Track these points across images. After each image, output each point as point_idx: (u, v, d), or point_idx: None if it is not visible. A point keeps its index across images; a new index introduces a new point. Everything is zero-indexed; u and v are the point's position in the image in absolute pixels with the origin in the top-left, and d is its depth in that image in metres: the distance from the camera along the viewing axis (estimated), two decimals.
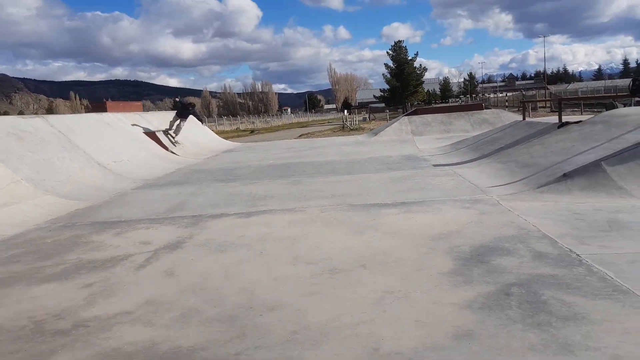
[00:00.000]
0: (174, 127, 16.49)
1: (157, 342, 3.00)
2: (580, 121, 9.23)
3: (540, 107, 43.17)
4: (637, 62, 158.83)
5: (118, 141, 13.23)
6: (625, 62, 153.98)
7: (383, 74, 74.45)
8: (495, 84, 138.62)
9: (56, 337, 3.16)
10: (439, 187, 7.41)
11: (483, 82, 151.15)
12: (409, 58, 71.87)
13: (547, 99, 49.19)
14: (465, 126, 17.99)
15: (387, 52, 72.66)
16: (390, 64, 72.25)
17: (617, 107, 12.78)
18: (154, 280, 4.18)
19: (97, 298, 3.83)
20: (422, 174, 8.81)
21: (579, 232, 4.62)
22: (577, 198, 5.94)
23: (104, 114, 15.08)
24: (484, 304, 3.14)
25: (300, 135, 27.91)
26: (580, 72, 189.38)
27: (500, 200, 6.14)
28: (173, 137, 16.42)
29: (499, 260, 3.94)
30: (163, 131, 16.25)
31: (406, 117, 20.45)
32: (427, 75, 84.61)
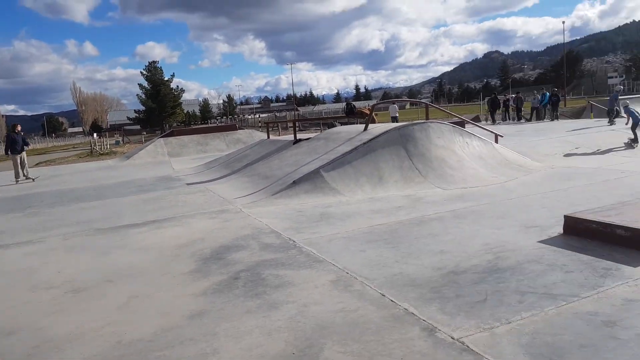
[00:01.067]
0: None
1: None
2: (310, 138, 11.08)
3: (289, 127, 48.53)
4: (365, 87, 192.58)
5: None
6: (357, 88, 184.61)
7: (137, 95, 70.95)
8: (252, 106, 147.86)
9: None
10: (191, 203, 7.90)
11: (241, 103, 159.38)
12: (165, 79, 70.68)
13: (288, 120, 55.46)
14: (221, 146, 19.03)
15: (141, 72, 69.81)
16: (145, 84, 69.67)
17: (335, 126, 15.67)
18: None
19: None
20: (175, 192, 9.16)
21: (299, 224, 5.75)
22: (302, 199, 7.25)
23: None
24: (216, 289, 3.75)
25: (37, 164, 24.28)
26: (323, 95, 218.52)
27: (243, 208, 7.00)
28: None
29: (234, 255, 4.65)
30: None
31: (162, 139, 20.33)
32: (187, 96, 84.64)
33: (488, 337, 2.79)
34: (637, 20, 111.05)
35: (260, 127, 31.84)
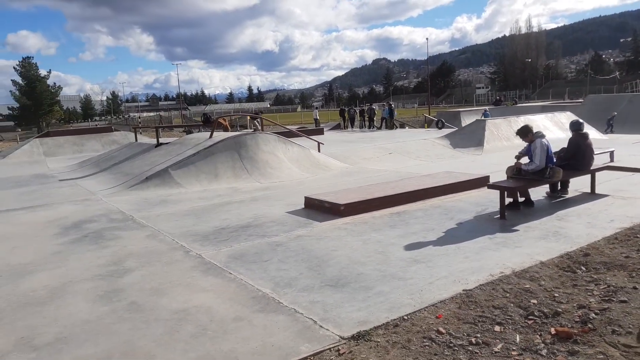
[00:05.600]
0: None
1: None
2: (169, 143, 13.39)
3: (175, 128, 49.31)
4: (258, 89, 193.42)
5: None
6: (250, 89, 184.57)
7: (11, 91, 65.89)
8: (139, 104, 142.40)
9: None
10: (60, 194, 9.89)
11: (127, 101, 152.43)
12: (42, 75, 66.59)
13: (152, 126, 56.30)
14: (96, 146, 20.35)
15: (14, 68, 65.04)
16: (19, 80, 65.04)
17: (192, 132, 17.80)
18: None
19: None
20: (48, 187, 10.98)
21: (141, 207, 8.21)
22: (152, 191, 9.67)
23: None
24: (72, 240, 6.14)
25: None
26: (216, 95, 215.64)
27: (103, 197, 9.25)
28: None
29: (88, 225, 7.02)
30: None
31: (37, 139, 21.01)
32: (67, 91, 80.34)
33: (215, 252, 5.57)
34: (507, 34, 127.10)
35: (140, 128, 32.70)
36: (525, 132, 6.65)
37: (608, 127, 24.06)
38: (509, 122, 19.22)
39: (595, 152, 12.12)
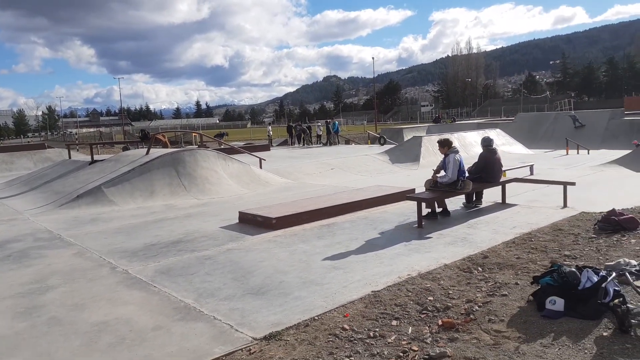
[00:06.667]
0: None
1: None
2: (104, 160, 13.15)
3: (116, 145, 47.73)
4: (207, 104, 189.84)
5: None
6: (198, 104, 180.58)
7: None
8: (78, 119, 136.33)
9: None
10: None
11: (65, 116, 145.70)
12: None
13: (91, 142, 54.62)
14: (28, 164, 19.49)
15: None
16: None
17: (128, 149, 17.41)
18: None
19: None
20: None
21: (70, 225, 8.08)
22: (83, 209, 9.49)
23: None
24: None
25: None
26: (162, 110, 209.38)
27: (30, 217, 8.99)
28: None
29: (12, 245, 6.84)
30: None
31: None
32: None
33: (142, 268, 5.64)
34: (450, 55, 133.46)
35: (78, 144, 31.50)
36: (443, 144, 7.26)
37: (575, 122, 26.54)
38: None
39: (516, 166, 13.11)
